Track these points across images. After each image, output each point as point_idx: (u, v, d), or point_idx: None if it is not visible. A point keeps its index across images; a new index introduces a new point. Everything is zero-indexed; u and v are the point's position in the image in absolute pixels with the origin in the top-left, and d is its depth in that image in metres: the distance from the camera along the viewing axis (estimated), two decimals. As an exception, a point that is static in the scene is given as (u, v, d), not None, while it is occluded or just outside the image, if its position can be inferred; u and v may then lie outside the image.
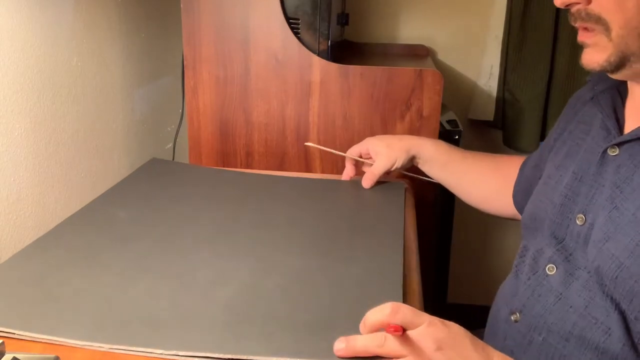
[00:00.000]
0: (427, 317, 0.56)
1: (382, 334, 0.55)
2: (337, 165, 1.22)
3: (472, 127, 1.84)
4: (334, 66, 1.17)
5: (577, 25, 0.67)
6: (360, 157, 1.09)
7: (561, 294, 0.70)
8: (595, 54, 0.66)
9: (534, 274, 0.75)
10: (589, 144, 0.74)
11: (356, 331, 0.62)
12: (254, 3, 1.16)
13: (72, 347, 0.60)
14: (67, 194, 1.07)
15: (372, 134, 1.19)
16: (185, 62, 1.22)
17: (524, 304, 0.74)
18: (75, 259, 0.77)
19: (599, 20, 0.64)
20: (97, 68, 1.17)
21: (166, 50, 1.50)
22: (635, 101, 0.71)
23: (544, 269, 0.73)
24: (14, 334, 0.61)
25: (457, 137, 1.39)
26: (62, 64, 1.05)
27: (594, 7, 0.64)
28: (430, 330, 0.56)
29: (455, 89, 1.78)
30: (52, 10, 1.01)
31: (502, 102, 1.74)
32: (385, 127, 1.19)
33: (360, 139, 1.20)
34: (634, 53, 0.63)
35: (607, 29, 0.63)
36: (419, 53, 1.71)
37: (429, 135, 1.18)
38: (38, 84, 0.98)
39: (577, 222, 0.70)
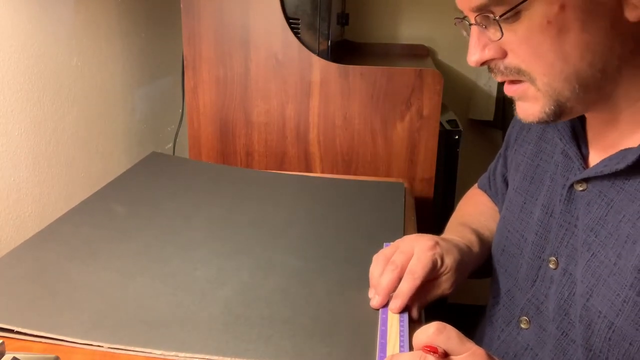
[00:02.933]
0: (472, 346, 0.51)
1: (421, 352, 0.51)
2: (337, 165, 1.22)
3: (472, 127, 1.84)
4: (334, 66, 1.17)
5: (499, 80, 0.61)
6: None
7: (537, 355, 0.66)
8: (528, 107, 0.60)
9: (507, 325, 0.72)
10: (553, 171, 0.69)
11: (356, 335, 0.62)
12: (254, 3, 1.16)
13: (72, 347, 0.60)
14: (67, 194, 1.07)
15: (372, 134, 1.19)
16: (185, 62, 1.22)
17: None
18: (73, 254, 0.77)
19: (520, 72, 0.58)
20: (97, 68, 1.17)
21: (166, 50, 1.50)
22: (596, 127, 0.65)
23: (517, 320, 0.70)
24: (12, 330, 0.61)
25: (457, 137, 1.39)
26: (62, 64, 1.05)
27: (511, 60, 0.58)
28: None
29: (455, 89, 1.78)
30: (53, 11, 1.01)
31: (502, 102, 1.74)
32: (385, 127, 1.19)
33: (360, 138, 1.20)
34: (569, 98, 0.57)
35: (531, 79, 0.57)
36: (419, 53, 1.71)
37: (429, 135, 1.18)
38: (38, 84, 0.98)
39: (550, 265, 0.66)
